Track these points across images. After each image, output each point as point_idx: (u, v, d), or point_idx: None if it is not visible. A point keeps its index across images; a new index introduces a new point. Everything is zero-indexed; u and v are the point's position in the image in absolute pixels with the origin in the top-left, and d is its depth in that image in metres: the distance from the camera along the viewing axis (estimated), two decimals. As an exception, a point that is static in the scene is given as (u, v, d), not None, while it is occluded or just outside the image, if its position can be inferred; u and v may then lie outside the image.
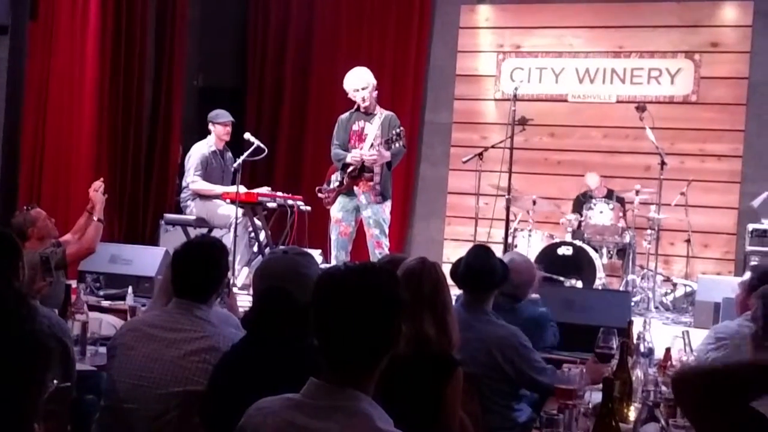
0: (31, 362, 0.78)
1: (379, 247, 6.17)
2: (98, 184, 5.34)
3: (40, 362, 0.80)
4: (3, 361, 0.76)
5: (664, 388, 2.96)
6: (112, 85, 7.37)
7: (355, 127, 6.28)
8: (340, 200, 6.29)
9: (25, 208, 4.81)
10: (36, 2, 6.76)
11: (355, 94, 6.21)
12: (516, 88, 6.74)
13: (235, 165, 6.44)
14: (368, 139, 6.18)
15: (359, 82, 6.19)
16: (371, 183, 6.16)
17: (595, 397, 2.84)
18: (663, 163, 6.94)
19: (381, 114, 6.25)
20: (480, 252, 3.61)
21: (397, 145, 6.10)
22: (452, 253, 8.03)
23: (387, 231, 6.30)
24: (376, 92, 6.30)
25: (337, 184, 6.29)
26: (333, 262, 6.06)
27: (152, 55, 7.99)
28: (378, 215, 6.21)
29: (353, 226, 6.31)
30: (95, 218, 5.09)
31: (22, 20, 6.61)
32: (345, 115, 6.38)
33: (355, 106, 6.28)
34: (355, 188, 6.21)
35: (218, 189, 6.66)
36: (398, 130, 6.10)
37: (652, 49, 8.14)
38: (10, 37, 6.50)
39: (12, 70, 6.56)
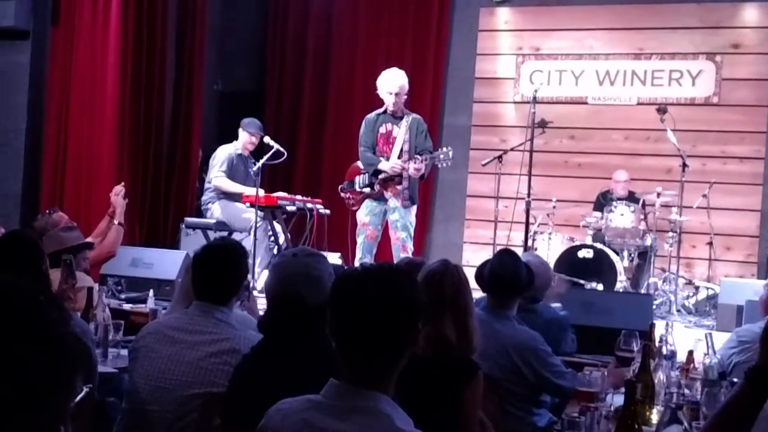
0: (62, 365, 0.78)
1: (404, 251, 6.17)
2: (119, 189, 5.39)
3: (71, 366, 0.80)
4: (34, 364, 0.76)
5: (686, 391, 2.94)
6: (134, 90, 7.41)
7: (382, 130, 6.28)
8: (368, 204, 6.30)
9: (47, 211, 4.85)
10: (57, 8, 6.85)
11: (387, 96, 6.22)
12: (536, 91, 6.72)
13: (254, 168, 6.47)
14: (397, 143, 6.19)
15: (394, 86, 6.18)
16: (399, 187, 6.17)
17: (616, 399, 2.83)
18: (684, 165, 6.89)
19: (408, 117, 6.26)
20: (506, 257, 3.60)
21: (428, 158, 6.13)
22: (472, 256, 8.02)
23: (413, 235, 6.32)
24: (406, 96, 6.32)
25: (364, 187, 6.28)
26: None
27: (173, 60, 8.03)
28: (406, 219, 6.23)
29: (380, 230, 6.32)
30: (116, 222, 5.13)
31: (44, 26, 6.70)
32: (371, 116, 6.37)
33: (383, 108, 6.29)
34: (384, 192, 6.23)
35: (240, 188, 6.69)
36: (442, 155, 6.10)
37: (672, 50, 8.08)
38: (32, 42, 6.59)
39: (34, 76, 6.65)
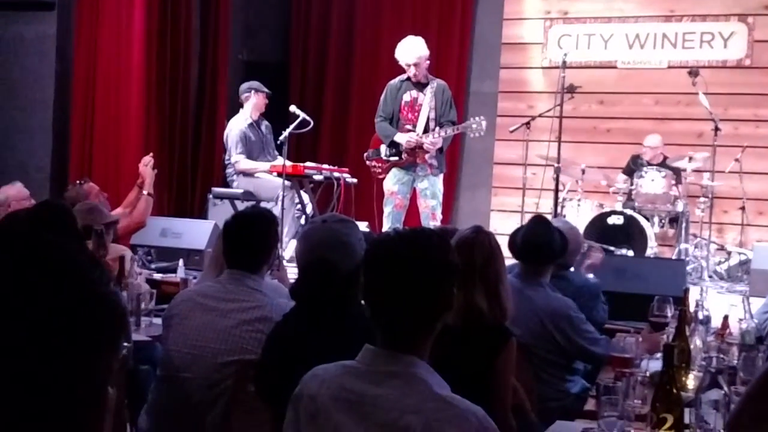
0: (107, 322, 0.78)
1: (433, 219, 6.17)
2: (148, 159, 5.39)
3: (116, 322, 0.79)
4: (81, 320, 0.76)
5: (723, 356, 2.90)
6: (159, 61, 7.41)
7: (406, 98, 6.23)
8: (395, 173, 6.26)
9: (78, 182, 4.86)
10: (83, -22, 6.83)
11: (407, 67, 6.16)
12: (565, 55, 6.62)
13: (281, 138, 6.45)
14: (423, 112, 6.14)
15: (411, 57, 6.12)
16: (427, 155, 6.13)
17: (652, 365, 2.80)
18: (717, 129, 6.77)
19: (433, 84, 6.20)
20: (539, 224, 3.57)
21: (449, 131, 6.08)
22: (499, 224, 7.96)
23: (441, 202, 6.30)
24: (428, 62, 6.24)
25: (391, 156, 6.24)
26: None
27: (197, 30, 8.01)
28: (435, 187, 6.22)
29: (408, 198, 6.30)
30: (145, 192, 5.15)
31: (69, -3, 6.69)
32: (395, 83, 6.31)
33: (406, 75, 6.23)
34: (415, 160, 6.19)
35: (263, 166, 6.69)
36: (474, 125, 6.09)
37: (704, 12, 7.92)
38: (58, 13, 6.60)
39: (60, 46, 6.66)
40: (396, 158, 6.23)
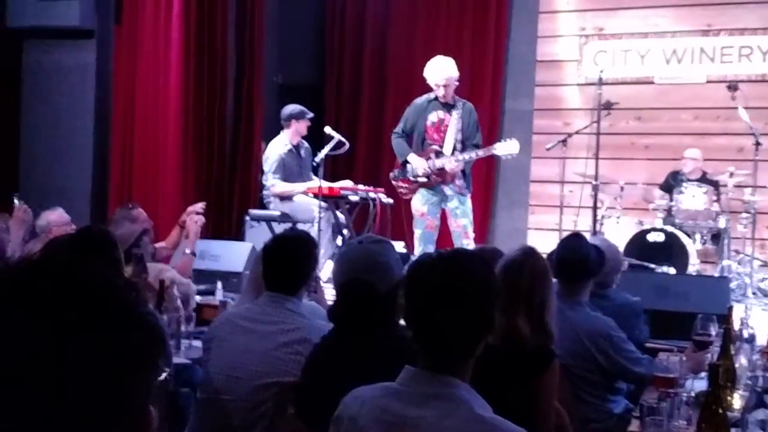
0: (144, 343, 0.79)
1: (466, 237, 6.12)
2: (198, 215, 5.04)
3: (153, 343, 0.80)
4: (118, 342, 0.77)
5: (769, 375, 2.84)
6: (196, 85, 7.51)
7: (433, 118, 6.18)
8: (424, 193, 6.21)
9: (128, 205, 4.86)
10: (120, 6, 6.97)
11: (435, 87, 6.14)
12: (602, 71, 6.58)
13: (317, 159, 6.48)
14: (449, 133, 6.11)
15: (441, 78, 6.08)
16: (455, 175, 6.12)
17: (696, 385, 2.75)
18: (758, 144, 6.66)
19: (460, 106, 6.17)
20: (573, 240, 3.53)
21: (472, 155, 6.06)
22: (536, 242, 7.86)
23: (472, 221, 6.27)
24: (458, 83, 6.22)
25: (418, 176, 6.21)
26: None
27: (233, 54, 8.11)
28: (465, 206, 6.19)
29: (438, 218, 6.25)
30: (188, 251, 4.88)
31: (108, 25, 6.84)
32: (421, 101, 6.28)
33: (434, 95, 6.21)
34: (443, 181, 6.17)
35: (299, 188, 6.71)
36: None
37: (742, 26, 7.82)
38: (97, 41, 6.73)
39: (100, 74, 6.79)
40: (424, 179, 6.18)
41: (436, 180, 6.15)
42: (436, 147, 6.15)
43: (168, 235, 5.19)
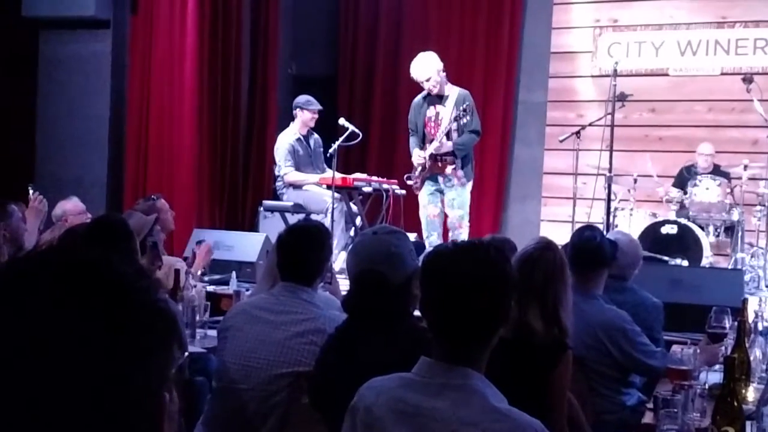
0: (156, 328, 0.80)
1: (459, 228, 6.21)
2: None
3: (165, 327, 0.82)
4: (133, 327, 0.78)
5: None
6: (211, 76, 7.53)
7: (429, 113, 6.28)
8: (427, 184, 6.33)
9: (151, 197, 4.89)
10: (136, -3, 6.99)
11: (422, 84, 6.21)
12: (616, 63, 6.55)
13: (330, 150, 6.49)
14: (443, 123, 6.17)
15: (422, 74, 6.18)
16: (453, 165, 6.16)
17: (711, 377, 2.75)
18: (772, 136, 6.63)
19: (453, 94, 6.22)
20: (586, 231, 3.54)
21: (464, 120, 6.07)
22: (549, 234, 7.83)
23: (468, 212, 6.34)
24: (444, 73, 6.26)
25: (420, 169, 6.30)
26: (427, 245, 6.08)
27: (247, 45, 8.12)
28: (461, 197, 6.25)
29: (440, 207, 6.35)
30: (192, 271, 4.78)
31: (123, 15, 6.86)
32: (418, 100, 6.39)
33: (426, 91, 6.27)
34: (437, 172, 6.24)
35: (312, 178, 6.74)
36: (464, 106, 6.06)
37: (757, 18, 7.77)
38: (113, 31, 6.76)
39: (115, 64, 6.82)
40: (420, 169, 6.27)
41: (432, 168, 6.19)
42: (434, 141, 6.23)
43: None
